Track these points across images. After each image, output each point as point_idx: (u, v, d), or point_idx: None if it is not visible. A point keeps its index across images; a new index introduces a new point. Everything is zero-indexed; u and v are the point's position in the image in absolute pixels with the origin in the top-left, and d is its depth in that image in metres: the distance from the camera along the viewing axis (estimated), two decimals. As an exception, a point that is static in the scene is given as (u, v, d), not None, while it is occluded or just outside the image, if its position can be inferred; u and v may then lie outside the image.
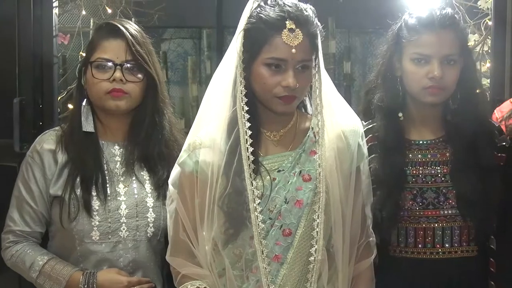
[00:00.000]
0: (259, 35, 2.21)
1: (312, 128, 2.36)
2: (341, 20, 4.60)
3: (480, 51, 3.47)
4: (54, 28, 3.22)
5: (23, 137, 3.10)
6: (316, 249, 2.27)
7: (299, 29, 2.20)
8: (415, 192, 2.57)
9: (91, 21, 3.74)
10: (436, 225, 2.57)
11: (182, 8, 4.02)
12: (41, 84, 3.21)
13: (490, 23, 3.34)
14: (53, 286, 2.51)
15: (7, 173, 3.10)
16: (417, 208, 2.57)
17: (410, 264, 2.57)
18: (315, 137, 2.35)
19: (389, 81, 2.60)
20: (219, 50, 4.89)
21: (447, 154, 2.59)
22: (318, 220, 2.28)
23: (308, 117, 2.40)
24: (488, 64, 3.40)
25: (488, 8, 3.40)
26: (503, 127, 2.74)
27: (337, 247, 2.34)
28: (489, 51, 3.40)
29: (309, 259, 2.29)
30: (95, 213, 2.54)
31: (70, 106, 3.29)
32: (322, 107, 2.32)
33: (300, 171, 2.34)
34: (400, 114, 2.61)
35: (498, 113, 2.82)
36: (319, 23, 2.29)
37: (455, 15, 2.58)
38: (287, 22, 2.19)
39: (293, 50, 2.18)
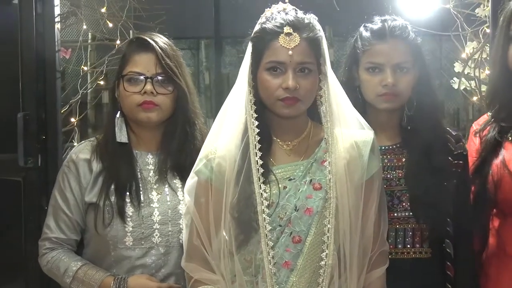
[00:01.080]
0: (261, 43, 2.34)
1: (325, 139, 2.42)
2: (339, 28, 4.59)
3: (479, 58, 3.50)
4: (56, 43, 3.24)
5: (27, 152, 3.11)
6: (327, 253, 2.32)
7: (297, 33, 2.30)
8: None
9: (89, 35, 3.78)
10: (389, 226, 2.62)
11: (180, 19, 4.04)
12: (44, 99, 3.22)
13: (488, 30, 3.36)
14: None
15: (12, 187, 3.16)
16: None
17: None
18: (327, 147, 2.42)
19: (349, 91, 2.66)
20: (218, 61, 4.93)
21: (403, 159, 2.68)
22: (328, 226, 2.33)
23: (323, 128, 2.45)
24: (487, 71, 3.42)
25: (486, 16, 3.44)
26: (478, 139, 2.81)
27: (347, 256, 2.38)
28: (488, 58, 3.41)
29: (320, 263, 2.34)
30: (128, 219, 2.61)
31: (72, 119, 3.54)
32: (331, 114, 2.39)
33: (311, 180, 2.39)
34: None
35: (476, 126, 2.89)
36: (322, 32, 2.37)
37: (407, 26, 2.67)
38: (285, 28, 2.30)
39: (290, 52, 2.28)
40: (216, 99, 4.88)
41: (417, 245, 2.65)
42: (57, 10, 3.24)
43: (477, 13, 3.52)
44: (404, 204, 2.65)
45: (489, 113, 2.80)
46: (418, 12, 3.52)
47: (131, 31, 3.68)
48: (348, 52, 2.75)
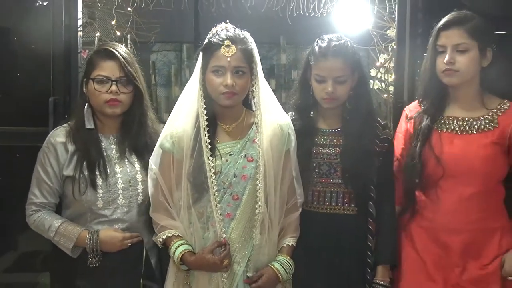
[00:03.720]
0: (209, 52, 2.71)
1: (256, 123, 2.79)
2: (291, 38, 5.04)
3: (388, 67, 3.92)
4: (79, 46, 3.63)
5: (55, 126, 3.32)
6: (259, 205, 2.74)
7: (234, 45, 2.67)
8: (314, 165, 3.00)
9: (96, 39, 3.96)
10: (326, 189, 2.99)
11: (167, 28, 4.30)
12: (69, 87, 3.59)
13: (395, 46, 3.81)
14: (66, 242, 2.88)
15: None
16: (315, 176, 3.01)
17: (308, 214, 2.99)
18: (257, 129, 2.79)
19: (305, 88, 3.05)
20: (196, 61, 4.84)
21: (341, 140, 3.01)
22: (259, 185, 2.74)
23: (253, 114, 2.82)
24: (393, 76, 3.85)
25: (393, 36, 3.87)
26: (411, 124, 3.11)
27: (271, 206, 2.79)
28: (393, 67, 3.86)
29: (255, 212, 2.74)
30: (99, 187, 2.90)
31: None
32: (260, 104, 2.77)
33: (245, 155, 2.79)
34: (312, 113, 3.06)
35: (408, 111, 3.20)
36: (254, 44, 2.74)
37: (348, 44, 2.94)
38: (225, 41, 2.67)
39: (228, 59, 2.65)
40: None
41: (346, 204, 3.00)
42: (79, 22, 3.63)
43: (388, 34, 3.95)
44: (338, 173, 2.98)
45: (420, 104, 3.12)
46: (347, 31, 3.78)
47: (131, 39, 4.00)
48: (305, 59, 3.03)
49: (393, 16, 3.90)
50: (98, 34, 3.90)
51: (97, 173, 2.91)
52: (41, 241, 3.08)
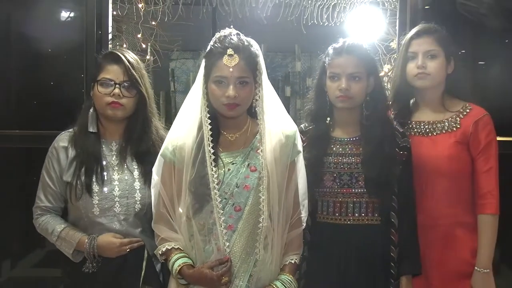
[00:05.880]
0: (211, 61, 2.61)
1: (260, 132, 2.68)
2: (305, 46, 5.08)
3: (391, 76, 3.87)
4: None
5: None
6: (263, 218, 2.63)
7: (237, 54, 2.55)
8: (335, 175, 2.93)
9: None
10: (348, 199, 2.92)
11: (186, 37, 4.40)
12: None
13: (396, 57, 3.66)
14: (67, 246, 2.90)
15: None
16: (336, 187, 2.93)
17: (330, 227, 2.94)
18: (260, 138, 2.68)
19: (320, 94, 3.01)
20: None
21: (360, 148, 2.94)
22: (263, 197, 2.63)
23: (258, 123, 2.70)
24: None
25: (395, 47, 4.01)
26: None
27: (275, 220, 2.67)
28: None
29: (258, 225, 2.63)
30: (95, 194, 2.89)
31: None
32: (264, 114, 2.67)
33: (248, 164, 2.69)
34: (328, 119, 3.02)
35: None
36: (259, 51, 2.65)
37: (362, 45, 2.95)
38: (228, 50, 2.56)
39: (231, 69, 2.55)
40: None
41: (370, 214, 2.92)
42: (110, 36, 3.90)
43: (391, 45, 4.11)
44: (360, 183, 2.90)
45: (392, 112, 3.19)
46: (357, 36, 3.64)
47: (159, 50, 4.17)
48: (320, 65, 3.00)
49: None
50: (125, 46, 4.10)
51: (94, 179, 2.89)
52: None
